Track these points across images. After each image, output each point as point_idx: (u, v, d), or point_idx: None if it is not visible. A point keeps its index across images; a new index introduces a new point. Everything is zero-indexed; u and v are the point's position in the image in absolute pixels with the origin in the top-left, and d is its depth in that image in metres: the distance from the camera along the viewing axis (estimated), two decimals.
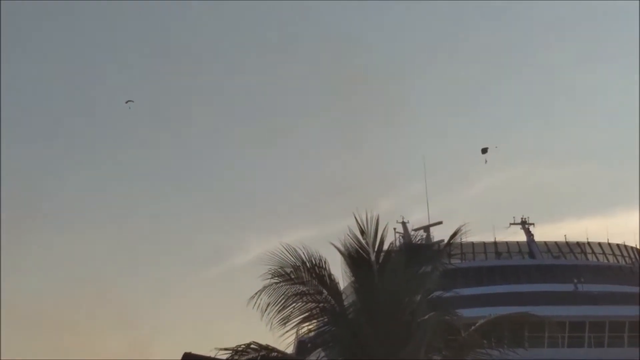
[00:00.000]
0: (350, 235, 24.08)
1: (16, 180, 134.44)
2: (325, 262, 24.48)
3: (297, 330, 25.35)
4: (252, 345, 24.07)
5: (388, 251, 24.28)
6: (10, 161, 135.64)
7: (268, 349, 24.20)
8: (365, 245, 24.04)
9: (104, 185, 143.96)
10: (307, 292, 24.47)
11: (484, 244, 69.03)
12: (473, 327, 25.41)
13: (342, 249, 24.26)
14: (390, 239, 24.90)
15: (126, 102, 73.71)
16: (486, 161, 72.29)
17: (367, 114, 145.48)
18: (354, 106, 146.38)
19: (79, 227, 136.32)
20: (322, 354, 25.49)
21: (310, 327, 25.56)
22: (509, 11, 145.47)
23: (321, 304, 24.52)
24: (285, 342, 24.71)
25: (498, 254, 69.01)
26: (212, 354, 24.43)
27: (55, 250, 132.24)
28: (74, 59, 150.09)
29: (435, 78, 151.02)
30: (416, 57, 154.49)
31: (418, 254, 24.96)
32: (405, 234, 66.03)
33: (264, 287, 24.28)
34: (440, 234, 64.84)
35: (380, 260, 24.12)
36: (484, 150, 68.44)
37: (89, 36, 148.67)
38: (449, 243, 25.79)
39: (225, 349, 23.96)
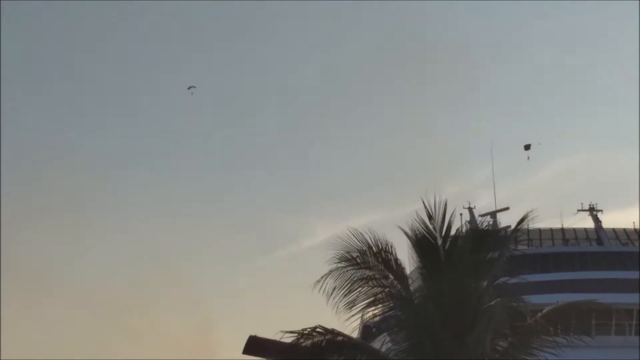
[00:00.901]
0: (418, 219, 24.05)
1: (88, 169, 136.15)
2: (391, 247, 24.47)
3: (363, 315, 25.37)
4: (317, 329, 24.13)
5: (455, 236, 24.19)
6: (78, 151, 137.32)
7: (333, 333, 24.25)
8: (433, 230, 23.97)
9: (175, 171, 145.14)
10: (373, 276, 24.49)
11: (551, 230, 68.35)
12: (539, 314, 25.21)
13: (409, 233, 24.24)
14: (457, 224, 24.82)
15: (188, 88, 74.04)
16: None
17: (433, 96, 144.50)
18: (421, 87, 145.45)
19: (149, 210, 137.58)
20: (387, 338, 25.47)
21: (375, 311, 25.58)
22: None
23: (387, 289, 24.51)
24: (351, 326, 24.77)
25: (565, 241, 68.27)
26: (277, 337, 24.53)
27: (125, 233, 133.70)
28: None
29: (506, 61, 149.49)
30: (487, 38, 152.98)
31: (485, 239, 24.82)
32: (472, 219, 65.69)
33: (330, 271, 24.34)
34: (507, 220, 64.46)
35: (447, 246, 24.04)
36: (527, 147, 68.12)
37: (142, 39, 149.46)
38: (516, 229, 25.63)
39: (291, 332, 24.06)
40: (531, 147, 70.03)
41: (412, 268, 25.18)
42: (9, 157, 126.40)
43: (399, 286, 24.49)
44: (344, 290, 24.36)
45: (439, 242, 24.03)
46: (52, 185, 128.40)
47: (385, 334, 26.07)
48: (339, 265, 24.33)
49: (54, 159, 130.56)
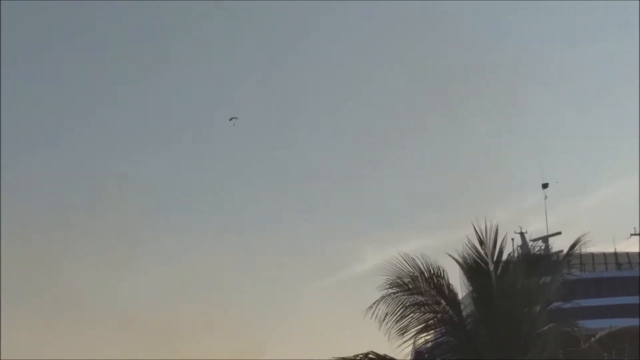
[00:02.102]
0: (469, 245, 24.01)
1: (138, 197, 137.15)
2: (443, 272, 24.43)
3: (415, 341, 25.31)
4: (369, 355, 24.12)
5: (507, 261, 24.11)
6: (134, 171, 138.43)
7: (386, 359, 24.22)
8: (484, 255, 23.92)
9: (229, 194, 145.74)
10: (425, 302, 24.45)
11: (604, 254, 67.73)
12: (593, 339, 25.06)
13: (459, 259, 24.20)
14: (509, 249, 24.73)
15: (230, 119, 74.47)
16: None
17: (482, 118, 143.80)
18: (471, 113, 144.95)
19: (204, 238, 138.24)
20: None
21: (427, 337, 25.52)
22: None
23: (439, 314, 24.46)
24: (403, 352, 24.72)
25: (618, 265, 67.64)
26: None
27: (178, 256, 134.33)
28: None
29: (555, 85, 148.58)
30: (536, 61, 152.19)
31: (537, 264, 24.70)
32: (524, 244, 65.28)
33: (382, 297, 24.34)
34: (559, 245, 63.93)
35: (499, 271, 23.96)
36: (545, 186, 68.16)
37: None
38: (568, 253, 25.50)
39: (344, 359, 24.07)
40: (549, 185, 70.02)
41: (464, 293, 25.11)
42: (61, 183, 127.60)
43: (451, 312, 24.42)
44: (396, 316, 24.34)
45: (491, 267, 23.95)
46: (101, 215, 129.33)
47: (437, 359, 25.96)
48: (391, 290, 24.34)
49: (105, 189, 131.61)
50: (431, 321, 24.52)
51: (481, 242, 23.96)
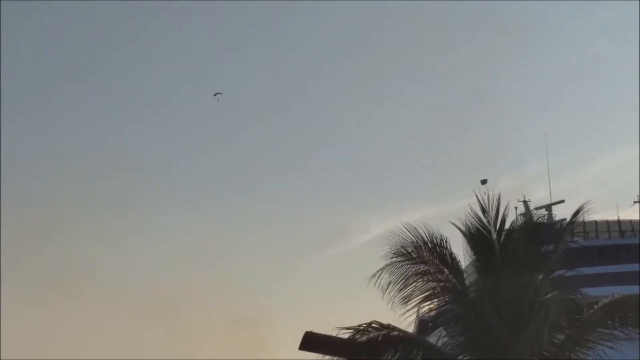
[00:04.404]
0: (472, 213, 24.05)
1: (127, 167, 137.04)
2: (446, 241, 24.48)
3: (418, 310, 25.39)
4: (373, 325, 24.17)
5: (510, 230, 24.15)
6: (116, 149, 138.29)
7: (389, 328, 24.27)
8: (487, 224, 23.96)
9: (230, 165, 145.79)
10: (428, 271, 24.50)
11: (607, 222, 67.73)
12: (596, 307, 25.04)
13: (462, 228, 24.24)
14: (512, 217, 24.75)
15: (215, 95, 74.18)
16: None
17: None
18: (473, 84, 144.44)
19: (200, 206, 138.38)
20: (443, 333, 25.47)
21: (431, 306, 25.61)
22: None
23: (442, 283, 24.51)
24: (406, 321, 24.79)
25: (622, 233, 67.66)
26: (333, 333, 24.60)
27: (178, 227, 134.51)
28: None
29: (558, 53, 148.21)
30: (542, 28, 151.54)
31: (540, 232, 24.73)
32: (527, 212, 65.33)
33: (385, 266, 24.40)
34: (562, 213, 63.98)
35: (502, 240, 24.00)
36: (484, 182, 68.11)
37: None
38: (571, 221, 25.50)
39: (347, 328, 24.12)
40: (487, 182, 70.01)
41: (467, 262, 25.15)
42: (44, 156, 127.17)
43: (454, 280, 24.49)
44: (399, 285, 24.41)
45: (494, 235, 24.00)
46: (90, 185, 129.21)
47: (441, 328, 26.06)
48: (394, 260, 24.38)
49: (105, 160, 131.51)
50: (435, 290, 24.59)
51: (484, 211, 24.00)
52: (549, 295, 23.73)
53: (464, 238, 24.46)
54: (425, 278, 24.50)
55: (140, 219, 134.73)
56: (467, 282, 24.58)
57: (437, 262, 24.46)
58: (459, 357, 24.37)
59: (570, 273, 25.13)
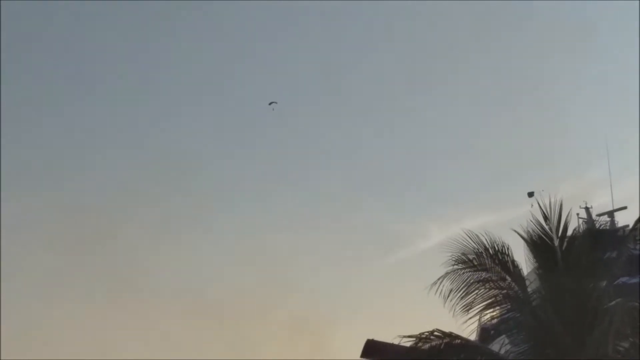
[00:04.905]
0: (533, 220, 23.96)
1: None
2: (508, 248, 24.40)
3: (480, 317, 25.30)
4: (435, 333, 24.12)
5: (572, 237, 24.00)
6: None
7: (451, 336, 24.22)
8: (549, 231, 23.83)
9: (293, 174, 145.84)
10: (490, 278, 24.43)
11: None
12: None
13: (524, 235, 24.15)
14: (574, 224, 24.62)
15: (270, 104, 74.11)
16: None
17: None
18: (532, 89, 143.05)
19: (265, 213, 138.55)
20: (506, 341, 25.36)
21: (493, 313, 25.50)
22: None
23: (504, 291, 24.42)
24: (468, 329, 24.72)
25: None
26: (395, 341, 24.61)
27: (242, 235, 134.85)
28: None
29: (620, 54, 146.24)
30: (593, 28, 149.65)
31: (602, 239, 24.54)
32: (589, 219, 64.69)
33: (446, 274, 24.38)
34: (625, 220, 63.14)
35: (564, 246, 23.85)
36: (530, 194, 66.85)
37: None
38: (634, 227, 25.26)
39: (409, 337, 24.12)
40: (534, 194, 68.65)
41: (529, 269, 25.03)
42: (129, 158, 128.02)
43: (516, 288, 24.37)
44: (461, 292, 24.37)
45: (556, 242, 23.86)
46: (147, 187, 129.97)
47: (503, 336, 25.95)
48: (455, 267, 24.37)
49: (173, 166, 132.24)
50: (497, 297, 24.50)
51: (545, 218, 23.88)
52: (613, 303, 23.52)
53: (525, 245, 24.36)
54: (487, 285, 24.43)
55: (198, 222, 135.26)
56: (529, 289, 24.46)
57: (499, 270, 24.38)
58: None
59: (634, 280, 24.92)
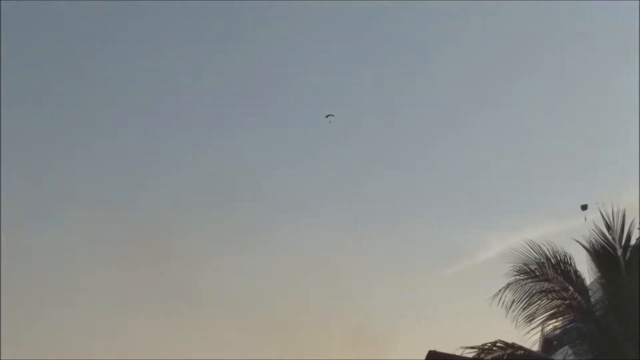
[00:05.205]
0: (595, 230, 23.77)
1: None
2: (570, 258, 24.24)
3: (543, 328, 25.13)
4: (497, 344, 24.04)
5: (635, 246, 23.77)
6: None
7: (514, 347, 24.11)
8: (612, 240, 23.66)
9: (353, 186, 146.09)
10: (552, 288, 24.28)
11: None
12: None
13: (586, 244, 23.97)
14: (637, 233, 24.37)
15: (326, 117, 74.00)
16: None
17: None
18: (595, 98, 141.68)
19: (323, 220, 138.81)
20: (569, 351, 25.16)
21: (556, 324, 25.31)
22: None
23: (567, 301, 24.25)
24: (531, 340, 24.57)
25: None
26: (457, 353, 24.54)
27: (298, 249, 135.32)
28: None
29: None
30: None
31: None
32: None
33: (508, 284, 24.28)
34: None
35: (627, 256, 23.65)
36: (584, 207, 65.79)
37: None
38: None
39: (471, 347, 24.05)
40: (588, 207, 67.58)
41: (592, 279, 24.82)
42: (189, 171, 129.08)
43: (579, 298, 24.19)
44: (523, 303, 24.24)
45: (619, 252, 23.67)
46: (223, 207, 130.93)
47: (566, 347, 25.74)
48: (517, 278, 24.26)
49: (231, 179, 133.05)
50: (559, 308, 24.33)
51: (608, 227, 23.70)
52: None
53: (588, 255, 24.16)
54: (549, 296, 24.28)
55: (257, 234, 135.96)
56: (592, 299, 24.25)
57: (562, 280, 24.21)
58: None
59: None
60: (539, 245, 24.19)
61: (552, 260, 24.18)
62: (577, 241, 24.07)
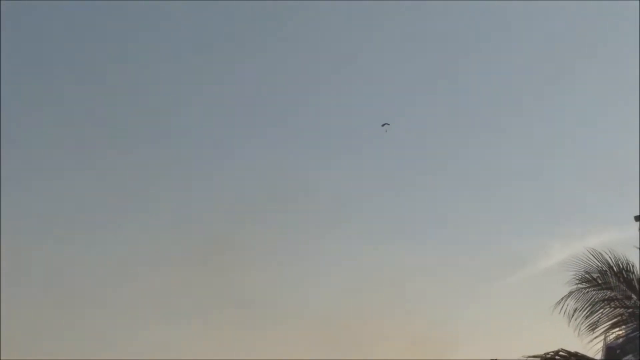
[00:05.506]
0: None
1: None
2: (632, 266, 24.03)
3: (606, 336, 24.92)
4: (560, 352, 23.84)
5: None
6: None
7: (577, 355, 23.91)
8: None
9: (413, 193, 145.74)
10: (615, 297, 24.08)
11: None
12: None
13: None
14: None
15: (382, 125, 73.90)
16: None
17: None
18: None
19: (381, 233, 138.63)
20: None
21: (619, 332, 25.08)
22: None
23: (630, 309, 24.03)
24: (594, 348, 24.37)
25: None
26: None
27: (356, 255, 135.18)
28: None
29: None
30: None
31: None
32: None
33: (570, 293, 24.13)
34: None
35: None
36: (637, 218, 64.30)
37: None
38: None
39: (534, 356, 23.90)
40: None
41: None
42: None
43: None
44: (585, 311, 24.07)
45: None
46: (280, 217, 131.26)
47: (630, 355, 25.52)
48: (579, 286, 24.09)
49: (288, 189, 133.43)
50: (622, 316, 24.12)
51: None
52: None
53: None
54: (612, 304, 24.08)
55: (316, 242, 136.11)
56: None
57: (624, 288, 24.01)
58: None
59: None
60: (600, 253, 24.04)
61: (615, 268, 23.98)
62: (638, 248, 23.86)
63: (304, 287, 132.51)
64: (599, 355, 26.79)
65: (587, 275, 24.06)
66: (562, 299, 24.14)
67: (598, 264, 24.03)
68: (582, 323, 24.07)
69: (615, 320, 24.15)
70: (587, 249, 24.12)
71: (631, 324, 24.24)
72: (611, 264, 24.01)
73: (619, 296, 24.07)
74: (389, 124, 74.72)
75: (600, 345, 24.52)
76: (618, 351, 30.60)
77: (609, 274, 24.02)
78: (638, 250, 24.02)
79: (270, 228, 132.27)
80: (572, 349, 23.97)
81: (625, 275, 24.00)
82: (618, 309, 24.10)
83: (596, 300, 24.10)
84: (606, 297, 24.11)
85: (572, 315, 24.11)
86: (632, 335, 24.52)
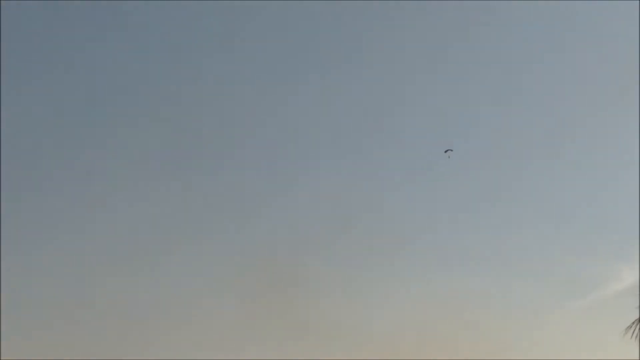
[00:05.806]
0: None
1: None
2: None
3: None
4: None
5: None
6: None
7: None
8: None
9: (470, 215, 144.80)
10: None
11: None
12: None
13: None
14: None
15: (445, 152, 73.85)
16: None
17: None
18: None
19: (447, 257, 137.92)
20: None
21: None
22: None
23: None
24: None
25: None
26: None
27: (424, 278, 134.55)
28: None
29: None
30: None
31: None
32: None
33: None
34: None
35: None
36: None
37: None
38: None
39: None
40: None
41: None
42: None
43: None
44: None
45: None
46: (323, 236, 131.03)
47: None
48: None
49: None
50: None
51: None
52: None
53: None
54: None
55: (384, 266, 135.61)
56: None
57: None
58: None
59: None
60: None
61: None
62: None
63: (370, 310, 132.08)
64: None
65: None
66: (633, 323, 23.98)
67: None
68: None
69: None
70: None
71: None
72: None
73: None
74: (451, 150, 74.65)
75: None
76: None
77: None
78: None
79: (337, 254, 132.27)
80: None
81: None
82: None
83: None
84: None
85: None
86: None
